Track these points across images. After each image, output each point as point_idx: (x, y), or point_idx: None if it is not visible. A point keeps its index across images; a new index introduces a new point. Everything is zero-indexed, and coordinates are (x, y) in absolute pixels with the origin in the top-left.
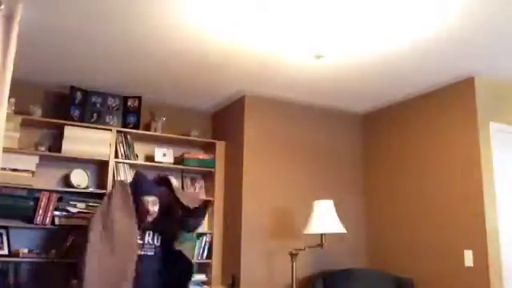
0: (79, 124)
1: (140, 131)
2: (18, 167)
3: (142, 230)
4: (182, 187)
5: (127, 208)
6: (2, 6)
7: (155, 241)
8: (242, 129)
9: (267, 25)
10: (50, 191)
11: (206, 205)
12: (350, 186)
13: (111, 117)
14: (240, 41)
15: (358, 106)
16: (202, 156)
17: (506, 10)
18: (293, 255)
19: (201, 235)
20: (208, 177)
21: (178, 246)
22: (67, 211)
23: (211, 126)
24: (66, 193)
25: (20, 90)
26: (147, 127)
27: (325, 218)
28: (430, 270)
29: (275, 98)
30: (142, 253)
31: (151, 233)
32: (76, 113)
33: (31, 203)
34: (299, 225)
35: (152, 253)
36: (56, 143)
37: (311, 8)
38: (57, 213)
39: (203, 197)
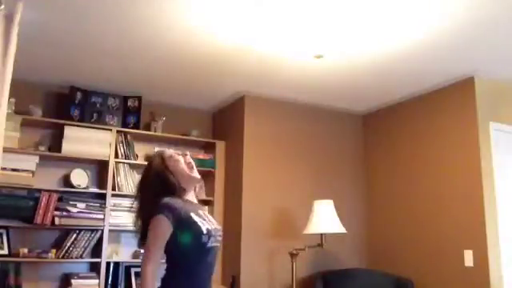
0: (79, 124)
1: (140, 131)
2: (18, 167)
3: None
4: None
5: None
6: (2, 6)
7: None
8: (242, 129)
9: (267, 25)
10: (50, 191)
11: None
12: (350, 185)
13: (111, 117)
14: (240, 41)
15: (358, 105)
16: (202, 156)
17: (506, 11)
18: (293, 255)
19: None
20: (208, 177)
21: None
22: (67, 211)
23: (211, 125)
24: (66, 193)
25: (20, 90)
26: (147, 127)
27: (325, 218)
28: (430, 270)
29: (275, 98)
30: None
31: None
32: (76, 113)
33: (31, 203)
34: (299, 225)
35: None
36: (56, 143)
37: (311, 8)
38: (57, 213)
39: (203, 197)
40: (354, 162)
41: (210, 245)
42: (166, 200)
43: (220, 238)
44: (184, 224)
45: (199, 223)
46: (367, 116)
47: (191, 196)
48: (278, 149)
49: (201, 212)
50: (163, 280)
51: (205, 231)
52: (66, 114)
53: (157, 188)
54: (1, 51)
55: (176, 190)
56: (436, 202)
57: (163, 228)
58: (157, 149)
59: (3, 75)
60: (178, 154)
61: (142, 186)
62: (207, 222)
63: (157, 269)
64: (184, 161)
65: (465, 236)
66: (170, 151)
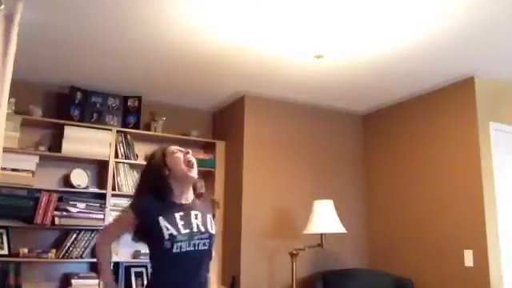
0: (79, 124)
1: (140, 131)
2: (18, 167)
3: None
4: None
5: None
6: (2, 6)
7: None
8: (242, 129)
9: (267, 25)
10: (50, 191)
11: None
12: (350, 185)
13: (111, 117)
14: (240, 41)
15: (358, 106)
16: (202, 156)
17: (506, 11)
18: (293, 255)
19: None
20: (208, 177)
21: None
22: (67, 211)
23: (211, 125)
24: (66, 193)
25: (20, 90)
26: (147, 127)
27: (325, 218)
28: (430, 270)
29: (275, 98)
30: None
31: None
32: (76, 113)
33: (31, 203)
34: (299, 225)
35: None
36: (56, 143)
37: (311, 8)
38: (57, 213)
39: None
40: (354, 161)
41: (176, 250)
42: (144, 200)
43: (201, 241)
44: (149, 227)
45: (163, 228)
46: (367, 116)
47: (185, 197)
48: (278, 149)
49: (177, 215)
50: (149, 276)
51: (167, 237)
52: (66, 114)
53: (150, 183)
54: (1, 51)
55: (166, 191)
56: (436, 202)
57: (124, 221)
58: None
59: (3, 75)
60: (181, 151)
61: (140, 179)
62: (180, 225)
63: (110, 243)
64: (184, 159)
65: (465, 236)
66: (172, 148)
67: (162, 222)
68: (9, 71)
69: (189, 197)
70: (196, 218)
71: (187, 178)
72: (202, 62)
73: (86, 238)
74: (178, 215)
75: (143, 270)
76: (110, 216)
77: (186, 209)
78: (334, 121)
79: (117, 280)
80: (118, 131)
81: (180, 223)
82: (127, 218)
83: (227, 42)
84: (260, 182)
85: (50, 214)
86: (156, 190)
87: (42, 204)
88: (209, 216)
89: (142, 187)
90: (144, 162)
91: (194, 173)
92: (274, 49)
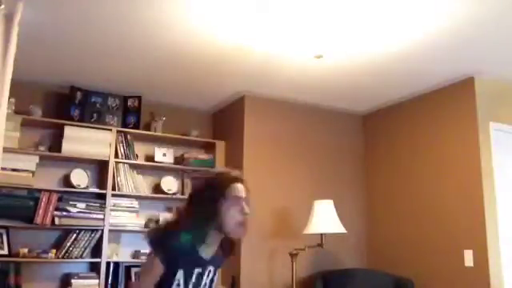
0: (79, 124)
1: (140, 131)
2: (18, 167)
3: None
4: (182, 187)
5: None
6: (2, 6)
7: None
8: (242, 129)
9: (267, 25)
10: (50, 191)
11: None
12: (350, 185)
13: (111, 117)
14: (240, 41)
15: (358, 105)
16: (202, 156)
17: (506, 11)
18: (293, 255)
19: None
20: None
21: None
22: (67, 211)
23: (211, 125)
24: (66, 193)
25: (20, 90)
26: (147, 127)
27: (325, 218)
28: (430, 270)
29: (275, 98)
30: None
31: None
32: (76, 113)
33: (31, 203)
34: (299, 225)
35: None
36: (56, 143)
37: (311, 8)
38: (57, 213)
39: None
40: (353, 161)
41: None
42: (172, 245)
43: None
44: (165, 274)
45: (175, 281)
46: (367, 116)
47: (208, 251)
48: (278, 149)
49: (195, 271)
50: None
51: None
52: (65, 114)
53: (199, 215)
54: (1, 51)
55: (203, 237)
56: (436, 202)
57: (155, 270)
58: (157, 149)
59: (3, 75)
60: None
61: (190, 205)
62: (191, 285)
63: None
64: (241, 209)
65: (465, 236)
66: (239, 186)
67: (179, 275)
68: (9, 71)
69: (211, 251)
70: (208, 276)
71: (234, 235)
72: (202, 62)
73: (86, 238)
74: (196, 271)
75: None
76: (110, 216)
77: (205, 264)
78: (334, 121)
79: (117, 280)
80: (118, 131)
81: (192, 281)
82: (156, 265)
83: (227, 43)
84: (260, 182)
85: (50, 214)
86: (195, 228)
87: (42, 204)
88: (218, 270)
89: (189, 216)
90: (143, 162)
91: (244, 229)
92: (274, 49)
